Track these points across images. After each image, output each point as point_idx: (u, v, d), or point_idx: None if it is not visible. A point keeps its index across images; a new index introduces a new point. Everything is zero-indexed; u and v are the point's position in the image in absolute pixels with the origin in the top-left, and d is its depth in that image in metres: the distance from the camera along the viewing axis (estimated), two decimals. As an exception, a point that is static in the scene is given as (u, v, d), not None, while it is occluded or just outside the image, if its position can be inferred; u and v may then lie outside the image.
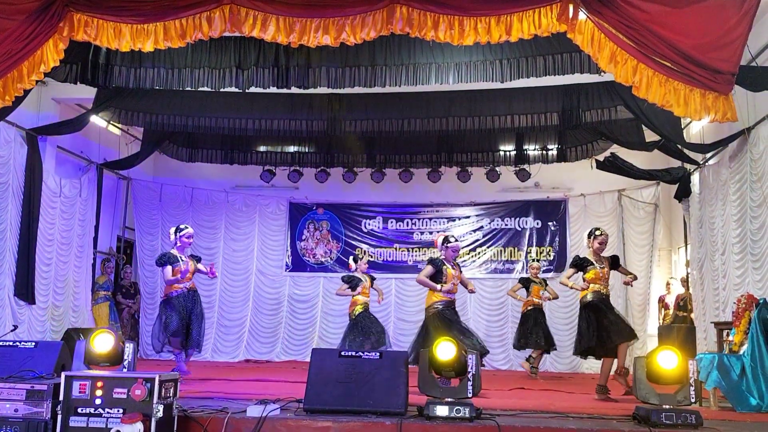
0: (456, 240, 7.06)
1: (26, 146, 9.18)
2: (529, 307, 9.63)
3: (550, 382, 8.70)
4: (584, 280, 6.84)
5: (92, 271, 10.72)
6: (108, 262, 11.07)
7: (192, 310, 7.42)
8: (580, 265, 6.87)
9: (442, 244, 6.99)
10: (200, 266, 7.64)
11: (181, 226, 7.65)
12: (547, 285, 9.80)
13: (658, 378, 4.18)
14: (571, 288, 6.91)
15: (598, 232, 6.93)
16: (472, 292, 7.08)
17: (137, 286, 11.73)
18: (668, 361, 4.16)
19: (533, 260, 10.66)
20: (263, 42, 7.32)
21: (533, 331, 9.40)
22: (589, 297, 6.71)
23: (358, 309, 8.87)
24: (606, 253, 6.98)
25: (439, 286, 6.79)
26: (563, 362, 11.13)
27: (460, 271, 7.09)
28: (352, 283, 8.92)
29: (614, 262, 6.95)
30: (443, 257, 6.94)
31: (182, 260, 7.45)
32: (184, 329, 7.31)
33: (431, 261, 6.99)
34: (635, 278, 7.12)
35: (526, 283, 9.83)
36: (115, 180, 11.77)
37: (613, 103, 8.91)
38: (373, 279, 9.24)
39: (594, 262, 6.83)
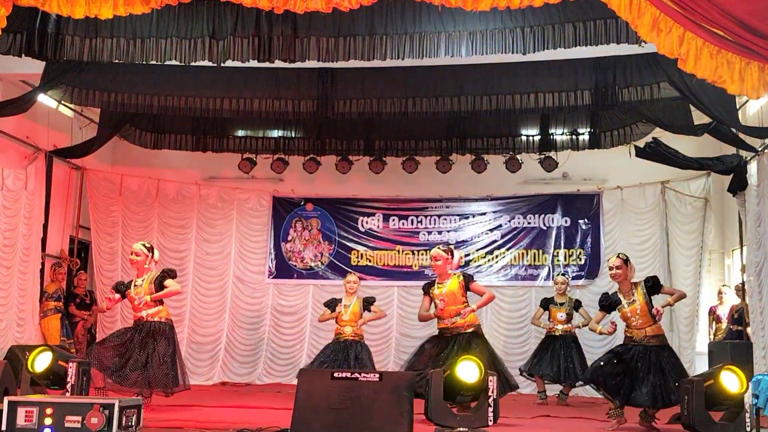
0: (436, 248, 7.21)
1: (-39, 131, 9.18)
2: (549, 333, 9.68)
3: (581, 409, 8.70)
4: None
5: (40, 279, 10.70)
6: (59, 267, 11.06)
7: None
8: (608, 306, 6.78)
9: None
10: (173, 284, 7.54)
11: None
12: (579, 306, 9.70)
13: (722, 400, 4.17)
14: (600, 334, 6.91)
15: (609, 259, 6.94)
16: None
17: (93, 295, 11.72)
18: (731, 382, 4.16)
19: (558, 273, 10.61)
20: (241, 7, 7.29)
21: (546, 359, 9.44)
22: (628, 342, 6.67)
23: (333, 339, 8.93)
24: (643, 268, 6.92)
25: (432, 313, 6.96)
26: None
27: (469, 281, 7.10)
28: (332, 306, 9.02)
29: (650, 288, 6.71)
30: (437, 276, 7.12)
31: (134, 285, 7.50)
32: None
33: (423, 288, 7.21)
34: (678, 299, 6.99)
35: (545, 304, 9.87)
36: (67, 170, 11.75)
37: (656, 79, 8.88)
38: (368, 302, 9.03)
39: (621, 299, 6.70)
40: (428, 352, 6.85)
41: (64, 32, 8.06)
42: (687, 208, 11.55)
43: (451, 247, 7.67)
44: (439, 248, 7.29)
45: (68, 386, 4.24)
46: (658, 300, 6.91)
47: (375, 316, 9.07)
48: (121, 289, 7.54)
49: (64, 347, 9.78)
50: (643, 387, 6.38)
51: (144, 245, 7.68)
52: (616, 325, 6.74)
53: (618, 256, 6.85)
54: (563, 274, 10.65)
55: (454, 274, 7.17)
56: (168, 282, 7.45)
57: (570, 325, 9.65)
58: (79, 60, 8.36)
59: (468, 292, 7.09)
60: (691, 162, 10.43)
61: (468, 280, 7.13)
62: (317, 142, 11.80)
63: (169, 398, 7.51)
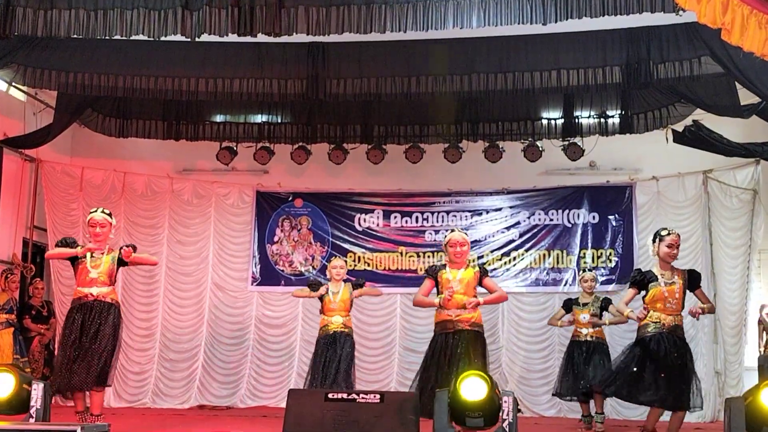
0: (457, 231, 7.18)
1: None
2: (573, 338, 9.58)
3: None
4: (644, 303, 6.88)
5: (-11, 287, 10.72)
6: (11, 274, 11.05)
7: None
8: (641, 281, 6.95)
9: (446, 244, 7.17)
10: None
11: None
12: (608, 304, 9.59)
13: (764, 424, 4.17)
14: (628, 318, 7.01)
15: (664, 233, 7.04)
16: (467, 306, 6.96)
17: (51, 306, 11.72)
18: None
19: (584, 269, 10.58)
20: (219, -28, 7.32)
21: (576, 375, 9.28)
22: (650, 330, 6.80)
23: (320, 332, 9.03)
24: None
25: (437, 300, 6.89)
26: (630, 405, 11.09)
27: (484, 275, 7.10)
28: (315, 286, 9.09)
29: (692, 280, 6.96)
30: (447, 260, 7.07)
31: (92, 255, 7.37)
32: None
33: (427, 270, 7.22)
34: (710, 310, 7.20)
35: (568, 306, 9.81)
36: (19, 162, 11.75)
37: (696, 52, 8.89)
38: (358, 284, 9.21)
39: (658, 276, 6.87)
40: (435, 362, 6.84)
41: (14, 3, 8.02)
42: (733, 201, 11.53)
43: None
44: (462, 233, 7.26)
45: (32, 411, 4.23)
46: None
47: (370, 290, 9.34)
48: (74, 245, 7.36)
49: (18, 366, 9.77)
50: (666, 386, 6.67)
51: (105, 212, 7.58)
52: (648, 310, 6.89)
53: (677, 234, 7.07)
54: (592, 270, 10.53)
55: (470, 264, 7.20)
56: (142, 254, 7.56)
57: (598, 328, 9.45)
58: (33, 35, 8.33)
59: (479, 289, 7.11)
60: (738, 148, 10.43)
61: (484, 273, 7.17)
62: (307, 129, 11.80)
63: (138, 423, 7.51)
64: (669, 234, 7.03)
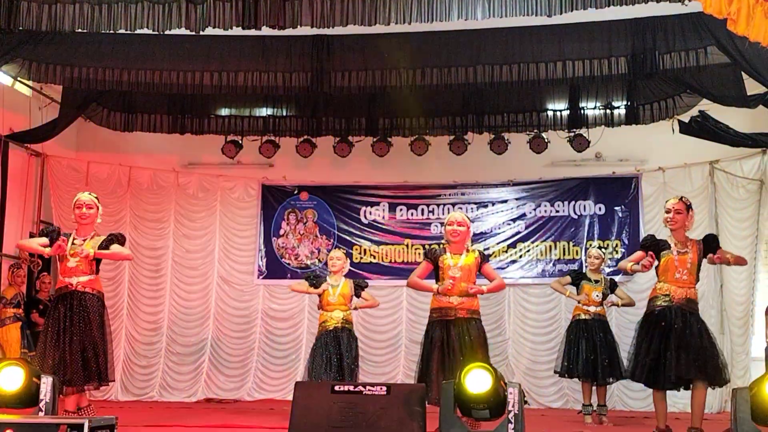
0: (458, 211, 7.10)
1: None
2: (577, 316, 9.31)
3: (621, 426, 8.69)
4: (656, 272, 6.76)
5: (-4, 282, 10.76)
6: (18, 269, 11.09)
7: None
8: (652, 246, 6.73)
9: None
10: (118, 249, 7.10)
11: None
12: (615, 288, 9.46)
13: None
14: (632, 272, 6.81)
15: (668, 199, 6.93)
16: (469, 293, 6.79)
17: (58, 300, 11.76)
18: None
19: (593, 247, 10.48)
20: (223, -35, 7.31)
21: (573, 353, 9.11)
22: (658, 303, 6.63)
23: (319, 328, 8.61)
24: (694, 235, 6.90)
25: (436, 286, 6.74)
26: (636, 395, 11.12)
27: (484, 261, 6.94)
28: (315, 281, 8.67)
29: (707, 244, 6.69)
30: (445, 243, 6.89)
31: (73, 241, 6.97)
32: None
33: (425, 253, 7.01)
34: (739, 261, 6.82)
35: (576, 278, 9.46)
36: (25, 157, 11.78)
37: (702, 42, 8.87)
38: (359, 287, 8.79)
39: (671, 245, 6.69)
40: (435, 353, 6.75)
41: (19, -3, 8.06)
42: (739, 192, 11.51)
43: None
44: (463, 213, 7.09)
45: (41, 404, 4.24)
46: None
47: (368, 303, 8.85)
48: (54, 236, 6.96)
49: (26, 360, 9.81)
50: (676, 360, 6.41)
51: (93, 195, 7.26)
52: (654, 258, 6.63)
53: (681, 199, 6.82)
54: (600, 248, 10.41)
55: (471, 249, 6.95)
56: (115, 246, 7.08)
57: (602, 308, 9.26)
58: (37, 29, 8.32)
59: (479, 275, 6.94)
60: (744, 138, 10.40)
61: (484, 260, 6.95)
62: (312, 122, 11.79)
63: (145, 417, 7.52)
64: (668, 200, 6.89)
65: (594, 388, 9.20)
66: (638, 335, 6.81)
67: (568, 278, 9.55)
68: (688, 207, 6.80)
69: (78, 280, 6.89)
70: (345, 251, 9.32)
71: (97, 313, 6.91)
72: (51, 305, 7.25)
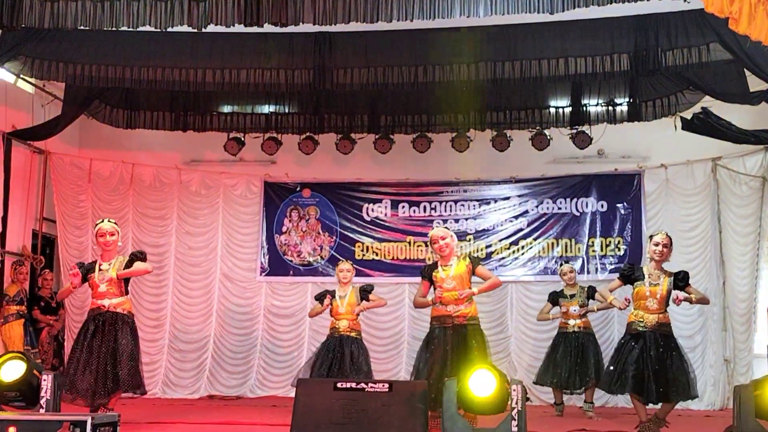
0: (436, 227, 7.31)
1: None
2: (561, 329, 9.72)
3: (618, 419, 8.69)
4: (632, 299, 7.25)
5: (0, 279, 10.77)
6: (20, 266, 11.11)
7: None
8: (628, 276, 7.31)
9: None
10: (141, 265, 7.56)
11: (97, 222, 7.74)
12: (593, 293, 9.60)
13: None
14: (610, 304, 7.59)
15: (655, 233, 7.40)
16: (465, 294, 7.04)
17: (60, 297, 11.77)
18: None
19: (562, 262, 10.69)
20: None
21: (555, 364, 9.52)
22: (634, 327, 7.16)
23: (329, 332, 8.97)
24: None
25: (430, 299, 7.04)
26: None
27: (475, 265, 7.13)
28: (320, 298, 9.04)
29: (677, 281, 7.19)
30: (436, 257, 7.22)
31: (99, 269, 7.47)
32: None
33: (420, 273, 7.30)
34: (699, 301, 7.41)
35: (554, 299, 9.91)
36: (27, 154, 11.78)
37: (705, 39, 8.86)
38: (365, 291, 9.05)
39: (645, 276, 7.17)
40: (433, 356, 6.89)
41: (21, -6, 8.06)
42: (742, 189, 11.49)
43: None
44: (442, 228, 7.55)
45: (42, 401, 4.25)
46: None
47: (373, 304, 9.05)
48: (83, 271, 7.46)
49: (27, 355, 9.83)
50: (655, 380, 6.96)
51: (111, 221, 7.67)
52: (629, 302, 7.28)
53: (667, 234, 7.31)
54: (567, 262, 10.67)
55: (460, 256, 7.25)
56: (137, 264, 7.49)
57: (585, 319, 9.68)
58: (40, 27, 8.35)
59: (473, 278, 7.16)
60: (747, 135, 10.39)
61: (475, 263, 7.17)
62: (314, 119, 11.79)
63: (148, 413, 7.54)
64: (657, 234, 7.34)
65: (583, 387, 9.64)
66: (621, 352, 7.22)
67: (549, 305, 10.01)
68: (671, 241, 7.33)
69: (110, 302, 7.34)
70: (351, 264, 9.44)
71: (129, 328, 7.37)
72: (82, 325, 7.56)
